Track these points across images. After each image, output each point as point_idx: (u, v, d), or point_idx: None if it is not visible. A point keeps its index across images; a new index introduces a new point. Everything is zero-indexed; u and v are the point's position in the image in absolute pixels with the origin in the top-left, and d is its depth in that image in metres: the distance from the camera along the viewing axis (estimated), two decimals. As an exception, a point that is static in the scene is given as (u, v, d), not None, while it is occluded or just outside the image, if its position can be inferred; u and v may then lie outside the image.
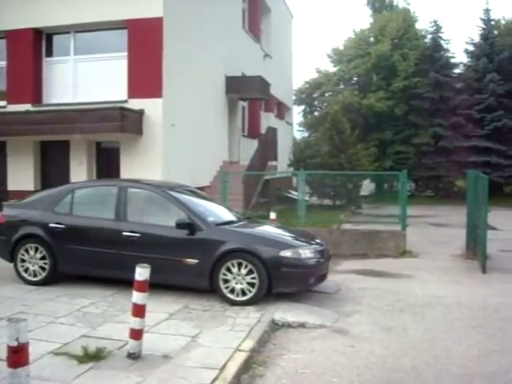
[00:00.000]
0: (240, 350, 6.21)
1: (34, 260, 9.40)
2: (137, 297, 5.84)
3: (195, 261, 8.48)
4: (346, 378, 5.76)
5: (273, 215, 13.10)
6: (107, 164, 16.28)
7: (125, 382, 5.23)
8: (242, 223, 9.59)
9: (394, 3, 48.22)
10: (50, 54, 17.01)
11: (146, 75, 15.27)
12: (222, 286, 8.39)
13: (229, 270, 8.36)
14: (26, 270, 9.44)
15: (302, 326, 7.53)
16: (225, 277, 8.37)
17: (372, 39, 42.99)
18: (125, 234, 8.83)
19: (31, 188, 16.26)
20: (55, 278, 9.43)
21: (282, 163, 26.88)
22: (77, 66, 16.56)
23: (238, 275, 8.32)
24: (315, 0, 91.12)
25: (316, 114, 46.39)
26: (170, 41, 15.62)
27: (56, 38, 17.05)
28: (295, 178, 24.58)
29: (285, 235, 9.32)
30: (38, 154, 16.74)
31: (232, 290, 8.34)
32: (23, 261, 9.46)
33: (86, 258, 9.13)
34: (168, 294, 8.64)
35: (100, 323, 7.15)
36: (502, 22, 41.88)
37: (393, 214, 15.89)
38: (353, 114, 36.25)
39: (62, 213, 9.50)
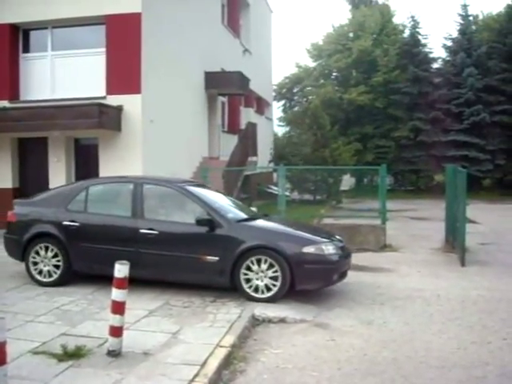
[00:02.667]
0: (221, 346, 6.19)
1: (46, 260, 9.09)
2: (116, 294, 5.79)
3: (216, 258, 8.31)
4: (326, 372, 5.78)
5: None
6: (86, 160, 16.16)
7: (105, 380, 5.19)
8: (260, 219, 9.40)
9: (373, -2, 48.47)
10: (27, 49, 16.82)
11: (124, 71, 15.17)
12: (244, 283, 8.24)
13: (250, 267, 8.22)
14: (39, 271, 9.13)
15: (283, 320, 7.53)
16: (246, 274, 8.23)
17: (351, 34, 43.14)
18: (142, 231, 8.62)
19: (9, 185, 16.17)
20: (69, 278, 9.14)
21: (263, 159, 26.89)
22: (54, 62, 16.40)
23: (260, 272, 8.18)
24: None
25: (296, 108, 46.48)
26: (149, 36, 15.54)
27: (33, 34, 16.87)
28: (275, 173, 24.60)
29: (305, 231, 9.13)
30: (15, 151, 16.55)
31: (254, 288, 8.22)
32: (35, 261, 9.15)
33: (101, 257, 8.77)
34: (148, 291, 8.60)
35: (80, 321, 7.09)
36: (480, 17, 42.31)
37: (373, 208, 15.97)
38: (333, 108, 36.42)
39: (76, 210, 9.20)
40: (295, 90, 47.89)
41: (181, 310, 7.79)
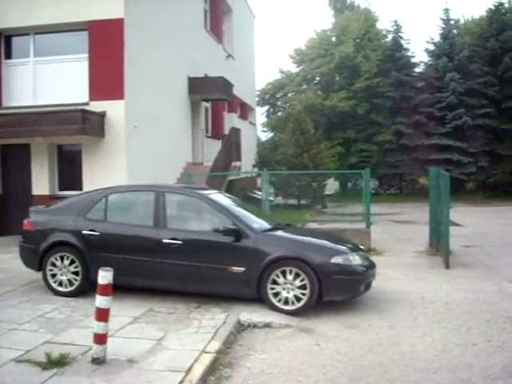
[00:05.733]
0: (206, 352, 6.17)
1: (65, 269, 8.90)
2: (100, 301, 5.76)
3: (242, 269, 8.13)
4: (312, 377, 5.78)
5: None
6: (69, 166, 16.05)
7: (89, 388, 5.17)
8: (284, 229, 9.26)
9: (356, 3, 48.84)
10: (9, 56, 16.69)
11: (107, 77, 15.10)
12: (271, 295, 8.07)
13: (277, 278, 8.04)
14: (56, 281, 8.93)
15: (268, 325, 7.52)
16: (273, 285, 8.06)
17: (334, 39, 43.33)
18: (165, 241, 8.44)
19: (-8, 192, 16.06)
20: (87, 287, 8.81)
21: (247, 163, 26.90)
22: (37, 68, 16.28)
23: (288, 283, 8.01)
24: (277, 0, 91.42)
25: (279, 114, 46.64)
26: (132, 42, 15.48)
27: (15, 40, 16.73)
28: (259, 178, 24.65)
29: (331, 241, 8.96)
30: (-3, 158, 16.43)
31: (281, 299, 8.04)
32: (53, 271, 8.96)
33: (122, 267, 8.36)
34: (132, 298, 8.56)
35: (63, 329, 7.04)
36: (461, 21, 42.70)
37: (357, 212, 16.02)
38: (316, 114, 36.59)
39: (95, 219, 9.02)
40: (278, 96, 47.97)
41: (165, 316, 7.76)
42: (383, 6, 73.24)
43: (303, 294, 7.98)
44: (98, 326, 5.74)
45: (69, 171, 16.04)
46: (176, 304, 8.33)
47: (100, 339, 5.74)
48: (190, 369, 5.64)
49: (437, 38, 38.12)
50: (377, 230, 14.98)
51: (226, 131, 25.32)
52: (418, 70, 39.61)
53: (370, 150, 37.43)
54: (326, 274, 7.96)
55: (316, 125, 31.90)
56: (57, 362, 5.69)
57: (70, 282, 8.90)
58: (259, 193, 22.12)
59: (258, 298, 8.23)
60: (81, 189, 15.15)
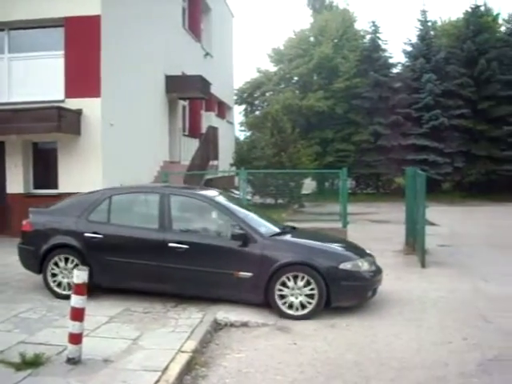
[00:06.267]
0: (182, 352, 6.15)
1: (65, 272, 8.66)
2: (75, 300, 5.71)
3: (249, 274, 8.03)
4: (289, 376, 5.78)
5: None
6: (45, 165, 15.88)
7: (64, 388, 5.11)
8: (292, 233, 9.14)
9: (334, 3, 48.97)
10: (-17, 52, 16.47)
11: (83, 74, 14.95)
12: (278, 300, 7.97)
13: (285, 283, 7.94)
14: (57, 283, 8.75)
15: (245, 325, 7.52)
16: (281, 291, 7.95)
17: (312, 39, 43.39)
18: (171, 245, 8.26)
19: (-35, 190, 15.79)
20: (89, 290, 8.76)
21: (225, 162, 26.84)
22: (12, 65, 16.04)
23: (296, 289, 7.92)
24: (256, 0, 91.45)
25: (257, 113, 46.59)
26: (108, 39, 15.35)
27: (-11, 36, 16.52)
28: (237, 177, 24.59)
29: (339, 246, 8.92)
30: (-29, 156, 16.17)
31: (288, 305, 7.94)
32: (54, 273, 8.76)
33: (125, 271, 8.49)
34: (109, 297, 8.50)
35: (38, 329, 6.97)
36: (439, 23, 43.04)
37: (334, 211, 16.05)
38: (293, 113, 36.62)
39: (98, 221, 8.81)
40: (256, 95, 47.93)
41: (141, 315, 7.72)
42: (361, 7, 74.14)
43: (311, 300, 7.92)
44: (74, 326, 5.68)
45: (44, 169, 15.87)
46: (153, 303, 8.28)
47: (75, 339, 5.69)
48: (166, 368, 5.62)
49: (414, 40, 38.33)
50: (354, 229, 15.02)
51: (204, 130, 25.21)
52: (395, 70, 39.76)
53: (347, 150, 37.49)
54: (335, 280, 7.93)
55: (294, 124, 31.92)
56: (31, 363, 5.62)
57: (72, 285, 8.71)
58: (237, 192, 22.08)
59: (265, 304, 8.12)
60: (56, 187, 15.04)
